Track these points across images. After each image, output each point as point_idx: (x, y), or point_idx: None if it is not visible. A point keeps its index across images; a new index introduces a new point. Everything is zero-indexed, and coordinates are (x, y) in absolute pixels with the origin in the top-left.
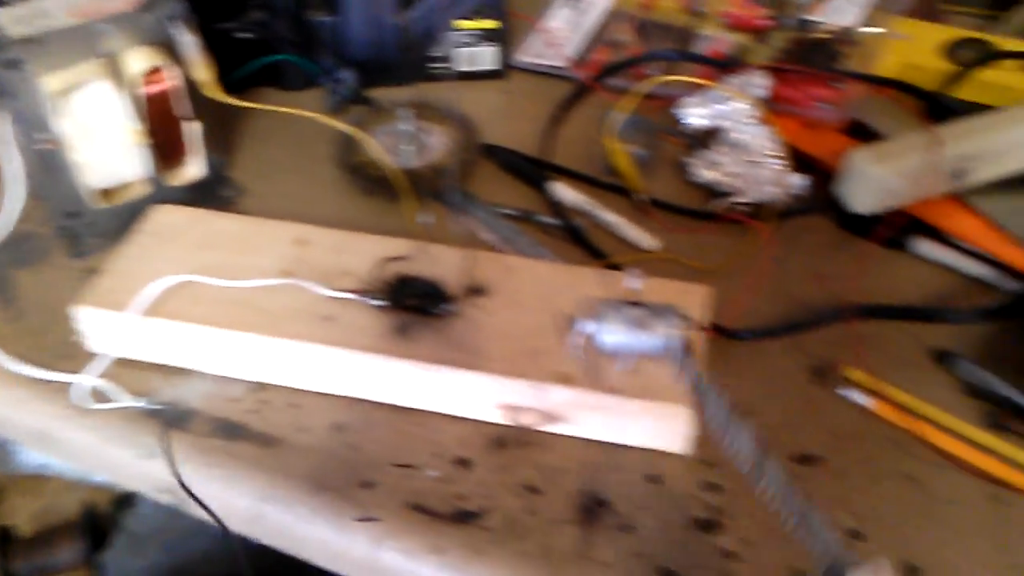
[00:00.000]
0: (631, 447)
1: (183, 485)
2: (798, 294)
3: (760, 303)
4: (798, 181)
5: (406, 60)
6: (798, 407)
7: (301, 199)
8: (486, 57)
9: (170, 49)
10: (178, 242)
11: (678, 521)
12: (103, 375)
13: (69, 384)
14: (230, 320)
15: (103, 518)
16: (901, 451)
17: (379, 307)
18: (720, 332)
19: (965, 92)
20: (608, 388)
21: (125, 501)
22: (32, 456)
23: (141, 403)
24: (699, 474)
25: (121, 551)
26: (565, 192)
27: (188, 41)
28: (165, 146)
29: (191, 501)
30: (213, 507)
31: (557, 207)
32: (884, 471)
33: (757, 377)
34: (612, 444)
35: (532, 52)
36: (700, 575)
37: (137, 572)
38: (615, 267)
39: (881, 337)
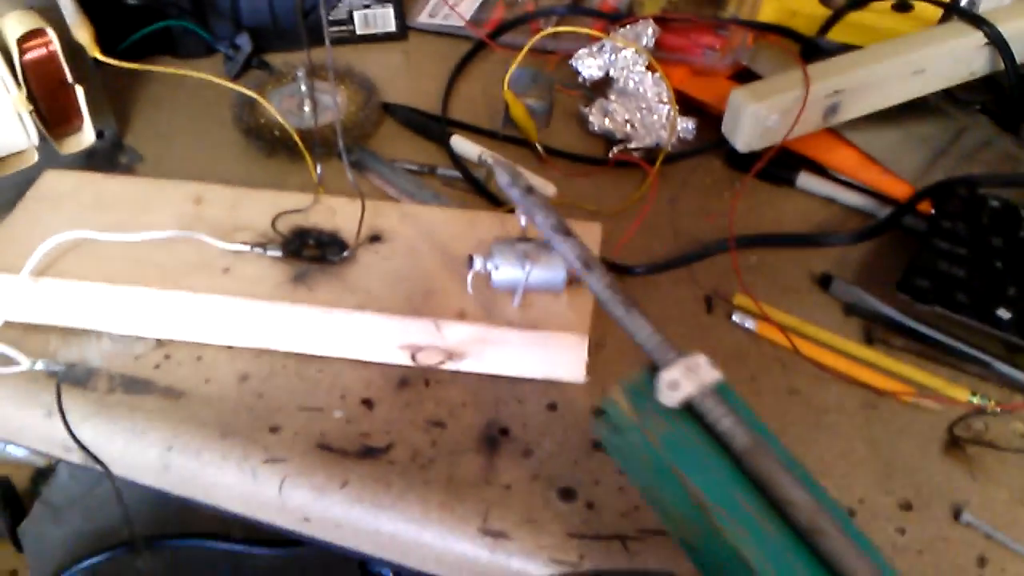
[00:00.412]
0: (531, 379)
1: (74, 437)
2: (690, 231)
3: (654, 241)
4: (687, 125)
5: (304, 24)
6: (691, 334)
7: (202, 163)
8: (384, 19)
9: (48, 12)
10: (70, 205)
11: (577, 444)
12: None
13: None
14: (126, 276)
15: (23, 493)
16: (785, 369)
17: (276, 257)
18: (616, 268)
19: (839, 34)
20: (503, 322)
21: (43, 474)
22: None
23: (40, 365)
24: (596, 399)
25: (39, 521)
26: (466, 145)
27: (66, 3)
28: (52, 113)
29: (100, 458)
30: (122, 462)
31: (458, 160)
32: (769, 387)
33: (652, 308)
34: (512, 378)
35: (430, 13)
36: (597, 491)
37: (57, 540)
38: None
39: (768, 266)
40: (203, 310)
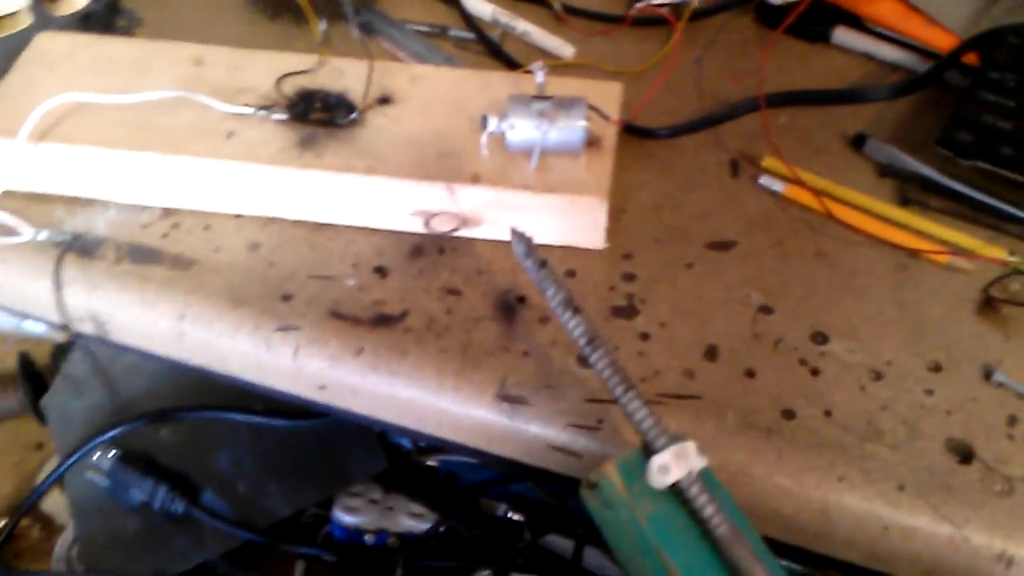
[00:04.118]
0: (549, 245)
1: (61, 308)
2: (716, 92)
3: (678, 103)
4: None
5: None
6: (716, 198)
7: (203, 26)
8: None
9: None
10: (66, 68)
11: (597, 310)
12: (2, 208)
13: None
14: (127, 141)
15: (43, 368)
16: (813, 232)
17: (282, 121)
18: (638, 131)
19: None
20: (520, 185)
21: (62, 349)
22: None
23: (44, 235)
24: (616, 265)
25: (60, 394)
26: (479, 5)
27: None
28: None
29: (112, 328)
30: (134, 332)
31: (471, 20)
32: (795, 251)
33: (675, 172)
34: None
35: None
36: (616, 356)
37: (77, 412)
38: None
39: (798, 127)
40: (208, 176)
